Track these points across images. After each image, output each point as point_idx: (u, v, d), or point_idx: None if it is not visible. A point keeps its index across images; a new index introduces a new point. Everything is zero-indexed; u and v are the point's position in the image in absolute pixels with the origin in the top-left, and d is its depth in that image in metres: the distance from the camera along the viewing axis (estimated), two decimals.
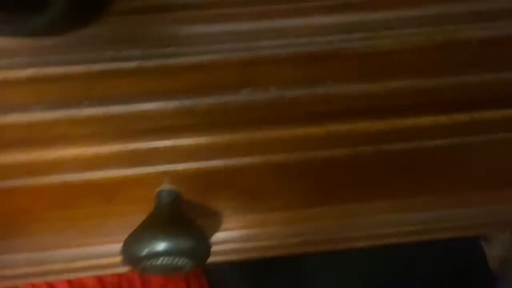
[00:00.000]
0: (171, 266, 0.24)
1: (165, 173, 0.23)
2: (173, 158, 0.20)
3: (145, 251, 0.23)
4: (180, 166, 0.21)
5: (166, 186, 0.26)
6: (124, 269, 0.33)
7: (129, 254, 0.23)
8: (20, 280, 0.31)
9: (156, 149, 0.19)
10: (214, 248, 0.33)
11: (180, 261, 0.24)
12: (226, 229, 0.31)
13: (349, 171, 0.26)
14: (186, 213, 0.27)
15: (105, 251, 0.30)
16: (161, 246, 0.23)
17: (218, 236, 0.31)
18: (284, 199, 0.29)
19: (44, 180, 0.20)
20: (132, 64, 0.14)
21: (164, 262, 0.24)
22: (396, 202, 0.32)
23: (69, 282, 0.40)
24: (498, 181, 0.30)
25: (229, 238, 0.32)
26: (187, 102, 0.16)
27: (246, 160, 0.21)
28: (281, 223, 0.31)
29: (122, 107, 0.16)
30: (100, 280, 0.40)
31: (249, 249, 0.32)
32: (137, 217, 0.25)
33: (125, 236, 0.25)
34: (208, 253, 0.25)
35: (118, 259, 0.31)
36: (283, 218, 0.31)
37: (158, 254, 0.23)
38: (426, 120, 0.19)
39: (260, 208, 0.30)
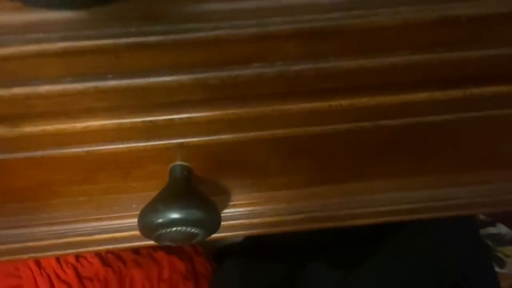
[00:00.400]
0: (184, 235, 0.26)
1: (178, 147, 0.24)
2: (187, 131, 0.22)
3: (159, 221, 0.25)
4: (192, 140, 0.23)
5: (179, 162, 0.27)
6: (139, 243, 0.35)
7: (145, 223, 0.25)
8: (42, 252, 0.33)
9: (171, 122, 0.21)
10: (223, 224, 0.35)
11: (193, 230, 0.26)
12: (234, 206, 0.33)
13: (350, 148, 0.27)
14: (198, 187, 0.28)
15: (122, 225, 0.32)
16: (175, 215, 0.25)
17: (227, 212, 0.33)
18: (288, 177, 0.31)
19: (69, 152, 0.22)
20: (154, 39, 0.15)
21: (178, 231, 0.25)
22: (395, 182, 0.33)
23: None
24: (493, 160, 0.31)
25: (237, 214, 0.33)
26: (202, 75, 0.18)
27: (254, 134, 0.23)
28: (286, 200, 0.33)
29: (144, 79, 0.18)
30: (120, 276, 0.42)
31: (256, 224, 0.34)
32: (152, 193, 0.27)
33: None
34: (219, 223, 0.27)
35: (134, 233, 0.33)
36: (288, 195, 0.33)
37: (172, 224, 0.25)
38: (422, 95, 0.21)
39: (266, 186, 0.32)
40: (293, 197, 0.33)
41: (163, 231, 0.25)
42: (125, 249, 0.41)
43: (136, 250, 0.44)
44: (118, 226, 0.32)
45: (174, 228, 0.25)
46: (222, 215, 0.34)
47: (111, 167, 0.27)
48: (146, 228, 0.25)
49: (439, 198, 0.33)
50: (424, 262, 0.40)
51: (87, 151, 0.23)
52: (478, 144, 0.29)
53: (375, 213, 0.34)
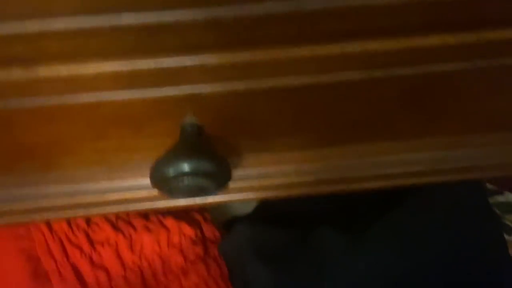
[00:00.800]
0: (195, 187, 0.26)
1: (189, 99, 0.24)
2: (198, 78, 0.22)
3: (171, 171, 0.25)
4: (204, 90, 0.23)
5: (189, 118, 0.28)
6: (149, 205, 0.35)
7: (156, 175, 0.25)
8: (53, 212, 0.33)
9: (184, 66, 0.21)
10: (232, 185, 0.35)
11: (204, 182, 0.26)
12: (243, 167, 0.33)
13: (360, 104, 0.27)
14: (209, 143, 0.29)
15: (133, 185, 0.32)
16: (186, 167, 0.25)
17: (236, 173, 0.33)
18: (298, 137, 0.31)
19: (81, 100, 0.22)
20: None
21: (189, 183, 0.26)
22: (404, 143, 0.33)
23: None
24: (505, 120, 0.31)
25: (246, 175, 0.34)
26: (215, 13, 0.18)
27: (265, 83, 0.23)
28: (295, 162, 0.33)
29: (157, 18, 0.18)
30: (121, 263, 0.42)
31: (265, 187, 0.34)
32: (163, 152, 0.27)
33: None
34: (229, 177, 0.27)
35: (145, 192, 0.34)
36: (297, 157, 0.33)
37: (183, 174, 0.25)
38: (434, 39, 0.21)
39: (276, 147, 0.32)
40: (302, 158, 0.33)
41: (175, 182, 0.25)
42: (135, 212, 0.42)
43: (145, 216, 0.45)
44: (129, 185, 0.32)
45: (186, 180, 0.25)
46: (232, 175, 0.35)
47: (122, 122, 0.27)
48: (159, 179, 0.25)
49: (449, 160, 0.33)
50: (432, 228, 0.40)
51: (99, 101, 0.23)
52: (489, 101, 0.29)
53: (383, 176, 0.34)
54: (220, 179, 0.26)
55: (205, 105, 0.26)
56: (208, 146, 0.27)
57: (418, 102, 0.28)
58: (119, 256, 0.41)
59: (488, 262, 0.38)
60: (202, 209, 0.49)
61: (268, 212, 0.48)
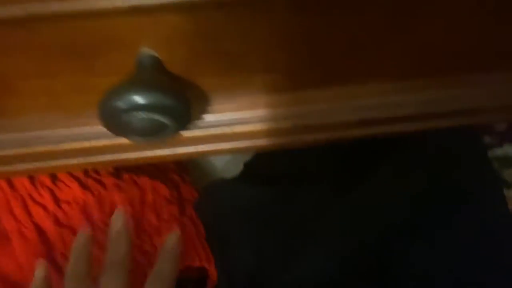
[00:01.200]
0: (152, 125, 0.23)
1: (145, 24, 0.21)
2: None
3: (122, 104, 0.22)
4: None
5: (146, 50, 0.24)
6: (112, 156, 0.32)
7: (106, 109, 0.22)
8: (7, 165, 0.31)
9: None
10: (203, 133, 0.32)
11: (161, 119, 0.23)
12: (213, 111, 0.30)
13: (343, 32, 0.24)
14: (169, 78, 0.26)
15: (92, 133, 0.30)
16: (139, 99, 0.22)
17: (205, 119, 0.31)
18: (273, 75, 0.28)
19: (11, 13, 0.19)
20: None
21: (144, 118, 0.23)
22: (395, 83, 0.30)
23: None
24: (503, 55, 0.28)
25: (217, 121, 0.31)
26: None
27: None
28: (271, 105, 0.30)
29: None
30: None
31: (239, 134, 0.32)
32: None
33: None
34: (189, 115, 0.24)
35: (106, 141, 0.31)
36: (274, 100, 0.30)
37: (136, 108, 0.22)
38: None
39: (249, 87, 0.29)
40: (279, 101, 0.30)
41: (127, 117, 0.22)
42: (103, 168, 0.39)
43: (117, 175, 0.42)
44: (88, 133, 0.29)
45: (139, 115, 0.23)
46: (201, 123, 0.32)
47: (69, 53, 0.24)
48: (108, 114, 0.23)
49: (440, 102, 0.30)
50: (424, 183, 0.37)
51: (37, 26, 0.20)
52: (492, 32, 0.25)
53: (368, 121, 0.31)
54: (180, 117, 0.23)
55: (163, 31, 0.23)
56: (167, 81, 0.24)
57: (406, 29, 0.25)
58: (87, 216, 0.39)
59: (487, 219, 0.36)
60: (181, 170, 0.46)
61: (251, 173, 0.45)
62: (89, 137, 0.29)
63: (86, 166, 0.34)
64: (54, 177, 0.39)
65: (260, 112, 0.30)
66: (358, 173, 0.38)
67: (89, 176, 0.40)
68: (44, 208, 0.38)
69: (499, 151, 0.42)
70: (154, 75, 0.24)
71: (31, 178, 0.39)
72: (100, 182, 0.40)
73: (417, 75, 0.30)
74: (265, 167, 0.44)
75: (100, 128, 0.30)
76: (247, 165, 0.46)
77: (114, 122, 0.22)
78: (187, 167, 0.50)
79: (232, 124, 0.31)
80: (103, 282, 0.33)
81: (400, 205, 0.36)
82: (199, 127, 0.31)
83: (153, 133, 0.24)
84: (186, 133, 0.31)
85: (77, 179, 0.39)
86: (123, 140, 0.30)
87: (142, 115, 0.22)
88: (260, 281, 0.34)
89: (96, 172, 0.41)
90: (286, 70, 0.28)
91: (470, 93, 0.31)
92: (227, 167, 0.52)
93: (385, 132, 0.34)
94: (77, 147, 0.30)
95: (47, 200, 0.39)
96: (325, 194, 0.37)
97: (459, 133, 0.38)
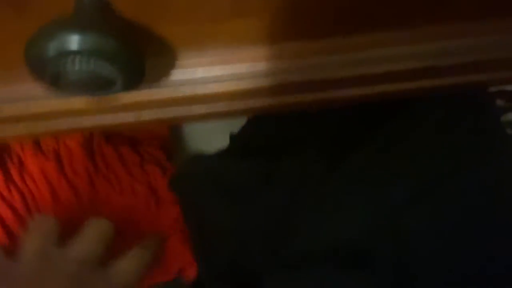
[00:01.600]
0: (93, 76, 0.19)
1: None
2: None
3: (53, 47, 0.17)
4: None
5: None
6: (64, 122, 0.28)
7: (33, 54, 0.18)
8: None
9: None
10: (168, 93, 0.28)
11: (103, 68, 0.19)
12: (182, 67, 0.26)
13: None
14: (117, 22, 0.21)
15: (31, 93, 0.25)
16: (76, 39, 0.17)
17: (171, 76, 0.26)
18: (249, 19, 0.23)
19: None
20: None
21: (82, 66, 0.18)
22: (387, 33, 0.26)
23: None
24: None
25: (185, 79, 0.26)
26: None
27: None
28: (248, 59, 0.26)
29: None
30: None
31: (213, 95, 0.27)
32: None
33: None
34: (139, 68, 0.19)
35: (52, 103, 0.27)
36: (251, 53, 0.26)
37: (70, 52, 0.18)
38: None
39: (222, 38, 0.25)
40: (257, 55, 0.25)
41: (61, 64, 0.18)
42: (49, 134, 0.34)
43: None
44: (32, 93, 0.25)
45: (77, 61, 0.18)
46: (167, 82, 0.27)
47: None
48: (36, 64, 0.18)
49: (446, 53, 0.26)
50: (427, 152, 0.33)
51: None
52: None
53: (366, 78, 0.27)
54: (125, 67, 0.19)
55: None
56: (111, 23, 0.20)
57: None
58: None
59: (498, 189, 0.32)
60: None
61: (237, 146, 0.41)
62: (33, 97, 0.25)
63: (38, 135, 0.30)
64: None
65: (236, 68, 0.26)
66: (350, 142, 0.34)
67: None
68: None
69: None
70: (95, 16, 0.19)
71: None
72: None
73: (421, 22, 0.25)
74: (251, 139, 0.40)
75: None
76: (233, 138, 0.42)
77: (43, 70, 0.18)
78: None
79: (204, 83, 0.26)
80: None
81: (403, 176, 0.32)
82: (166, 86, 0.26)
83: (99, 89, 0.19)
84: (151, 93, 0.27)
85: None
86: (74, 103, 0.26)
87: (79, 62, 0.18)
88: (242, 264, 0.30)
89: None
90: (263, 14, 0.23)
91: (482, 43, 0.26)
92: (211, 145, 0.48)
93: (384, 93, 0.29)
94: (19, 110, 0.25)
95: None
96: (315, 163, 0.33)
97: (467, 97, 0.33)
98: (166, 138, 0.47)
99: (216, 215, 0.33)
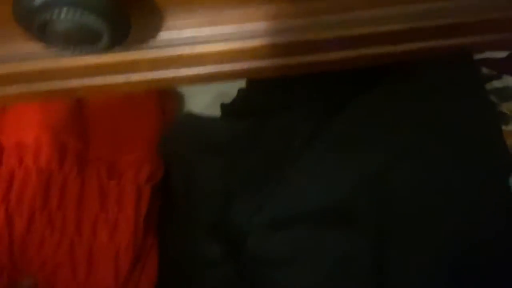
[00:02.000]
0: (79, 28, 0.19)
1: None
2: None
3: None
4: None
5: None
6: (49, 84, 0.28)
7: (21, 3, 0.18)
8: None
9: None
10: (156, 54, 0.28)
11: (89, 21, 0.19)
12: (169, 28, 0.26)
13: None
14: None
15: (21, 52, 0.25)
16: None
17: (160, 37, 0.26)
18: None
19: None
20: None
21: (68, 16, 0.19)
22: None
23: None
24: None
25: (174, 39, 0.27)
26: None
27: None
28: (235, 20, 0.26)
29: None
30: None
31: (201, 56, 0.28)
32: None
33: None
34: (125, 22, 0.20)
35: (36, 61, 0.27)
36: (238, 14, 0.26)
37: (57, 1, 0.18)
38: None
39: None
40: (244, 16, 0.26)
41: (47, 15, 0.18)
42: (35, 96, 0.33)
43: None
44: (22, 52, 0.25)
45: (63, 13, 0.18)
46: (155, 42, 0.28)
47: None
48: (23, 9, 0.18)
49: (431, 14, 0.26)
50: (413, 117, 0.34)
51: None
52: None
53: (352, 39, 0.27)
54: (113, 20, 0.19)
55: None
56: None
57: None
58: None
59: (482, 155, 0.32)
60: None
61: (230, 111, 0.41)
62: (21, 58, 0.25)
63: (28, 97, 0.30)
64: None
65: (226, 28, 0.26)
66: (336, 107, 0.35)
67: None
68: None
69: (497, 83, 0.38)
70: None
71: None
72: None
73: None
74: (241, 106, 0.40)
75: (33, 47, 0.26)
76: (223, 107, 0.42)
77: (30, 21, 0.18)
78: None
79: (192, 44, 0.27)
80: None
81: (386, 140, 0.33)
82: (154, 47, 0.26)
83: (85, 43, 0.20)
84: (139, 54, 0.27)
85: None
86: (64, 62, 0.26)
87: (65, 13, 0.18)
88: (229, 221, 0.31)
89: None
90: None
91: (465, 4, 0.27)
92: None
93: (369, 56, 0.30)
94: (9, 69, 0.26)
95: None
96: (302, 125, 0.33)
97: (451, 64, 0.34)
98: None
99: (204, 172, 0.34)
